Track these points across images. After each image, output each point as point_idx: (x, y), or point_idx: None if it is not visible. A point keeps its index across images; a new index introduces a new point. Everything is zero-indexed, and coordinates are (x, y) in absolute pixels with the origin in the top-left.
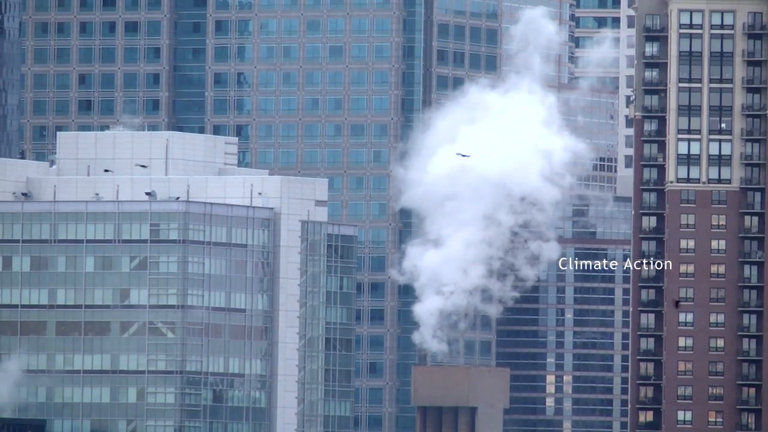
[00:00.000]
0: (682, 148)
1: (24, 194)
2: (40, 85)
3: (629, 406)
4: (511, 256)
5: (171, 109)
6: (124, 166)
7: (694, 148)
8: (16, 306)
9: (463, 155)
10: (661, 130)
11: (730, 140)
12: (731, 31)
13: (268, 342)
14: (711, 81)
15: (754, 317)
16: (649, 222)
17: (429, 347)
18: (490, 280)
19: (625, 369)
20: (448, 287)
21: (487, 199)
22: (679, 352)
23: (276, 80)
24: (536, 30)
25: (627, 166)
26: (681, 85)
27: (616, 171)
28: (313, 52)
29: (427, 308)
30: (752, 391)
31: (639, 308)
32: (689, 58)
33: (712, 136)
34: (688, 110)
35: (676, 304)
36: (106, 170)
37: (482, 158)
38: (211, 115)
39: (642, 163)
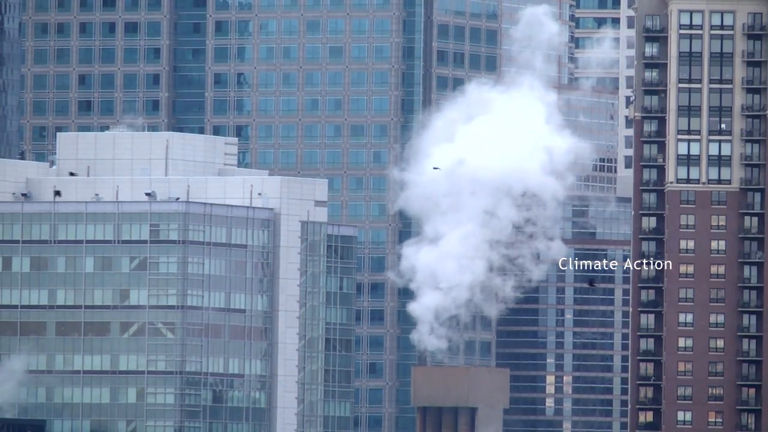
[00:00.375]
0: (682, 149)
1: (24, 194)
2: (40, 85)
3: (629, 406)
4: (514, 255)
5: (171, 110)
6: (124, 167)
7: (694, 149)
8: (16, 306)
9: (435, 168)
10: (661, 131)
11: (729, 141)
12: (731, 32)
13: (268, 342)
14: (711, 81)
15: (754, 317)
16: (649, 222)
17: (427, 345)
18: (491, 277)
19: (625, 369)
20: (446, 283)
21: (487, 197)
22: (679, 352)
23: (276, 81)
24: (539, 27)
25: (627, 166)
26: (681, 85)
27: (616, 171)
28: (312, 52)
29: (423, 305)
30: (752, 391)
31: (639, 309)
32: (689, 58)
33: (711, 137)
34: (688, 111)
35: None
36: (71, 173)
37: (482, 156)
38: (211, 116)
39: (642, 163)
